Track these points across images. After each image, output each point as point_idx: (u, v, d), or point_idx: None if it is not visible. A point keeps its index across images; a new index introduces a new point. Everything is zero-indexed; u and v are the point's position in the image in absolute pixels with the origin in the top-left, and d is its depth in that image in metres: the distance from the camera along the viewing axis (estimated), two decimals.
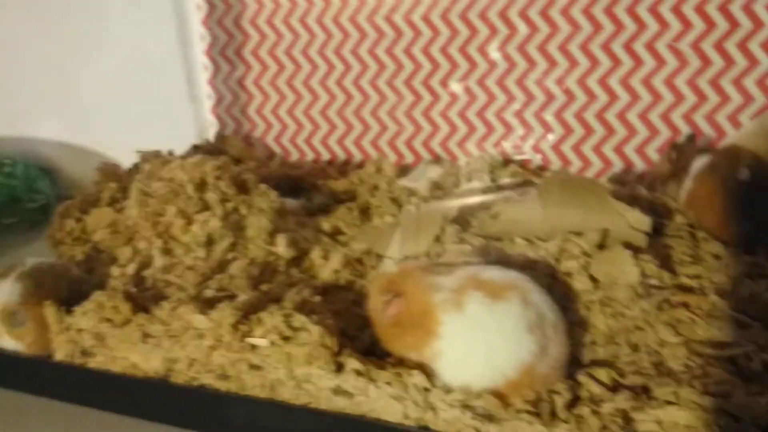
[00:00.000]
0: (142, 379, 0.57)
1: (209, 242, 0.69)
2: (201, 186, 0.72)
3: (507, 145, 0.92)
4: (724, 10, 0.77)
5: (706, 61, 0.80)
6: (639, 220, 0.58)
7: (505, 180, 0.81)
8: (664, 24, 0.80)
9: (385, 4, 0.92)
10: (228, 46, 1.03)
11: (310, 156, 1.04)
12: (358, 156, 1.00)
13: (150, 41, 1.03)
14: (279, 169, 0.93)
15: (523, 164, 0.89)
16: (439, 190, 0.80)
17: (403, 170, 0.89)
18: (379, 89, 0.96)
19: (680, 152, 0.72)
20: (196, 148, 0.97)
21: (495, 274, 0.50)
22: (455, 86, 0.93)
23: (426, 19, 0.91)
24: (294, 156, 1.05)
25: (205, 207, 0.71)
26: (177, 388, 0.56)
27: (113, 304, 0.58)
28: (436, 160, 0.95)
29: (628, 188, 0.70)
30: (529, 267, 0.56)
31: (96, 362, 0.59)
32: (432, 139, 0.96)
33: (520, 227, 0.62)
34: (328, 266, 0.66)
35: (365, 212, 0.78)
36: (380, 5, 0.92)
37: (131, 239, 0.72)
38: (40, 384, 0.62)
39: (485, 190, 0.76)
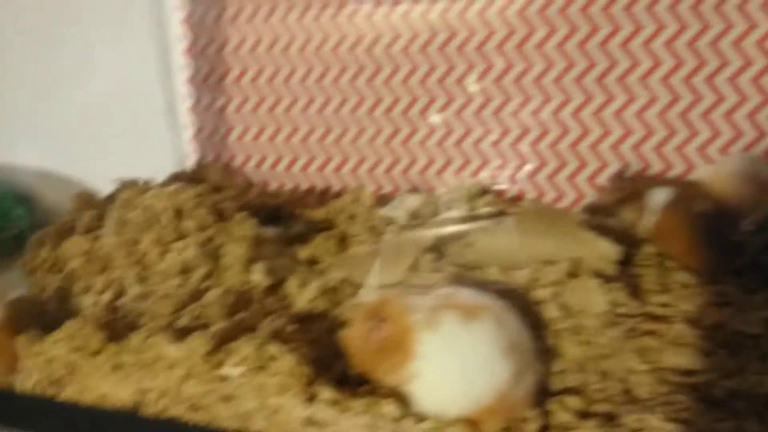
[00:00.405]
0: (112, 411, 0.56)
1: (185, 270, 0.69)
2: (178, 214, 0.72)
3: (484, 176, 0.94)
4: (691, 46, 0.80)
5: (675, 96, 0.83)
6: (609, 250, 0.59)
7: (482, 210, 0.82)
8: (635, 60, 0.83)
9: (366, 38, 0.94)
10: (209, 76, 1.04)
11: (289, 185, 1.04)
12: (337, 185, 1.01)
13: (131, 69, 1.04)
14: (258, 198, 0.93)
15: (499, 194, 0.91)
16: (417, 219, 0.81)
17: (382, 200, 0.90)
18: (359, 120, 0.98)
19: (631, 182, 0.74)
20: (175, 177, 0.97)
21: (469, 295, 0.51)
22: (434, 118, 0.95)
23: (406, 53, 0.93)
24: (273, 185, 1.05)
25: (182, 235, 0.71)
26: (148, 420, 0.55)
27: (86, 333, 0.57)
28: (415, 189, 0.96)
29: (599, 218, 0.71)
30: (502, 295, 0.57)
31: (66, 393, 0.58)
32: (410, 169, 0.97)
33: (495, 256, 0.63)
34: (304, 295, 0.66)
35: (343, 241, 0.79)
36: (361, 38, 0.94)
37: (106, 268, 0.72)
38: (5, 415, 0.61)
39: (462, 220, 0.77)
